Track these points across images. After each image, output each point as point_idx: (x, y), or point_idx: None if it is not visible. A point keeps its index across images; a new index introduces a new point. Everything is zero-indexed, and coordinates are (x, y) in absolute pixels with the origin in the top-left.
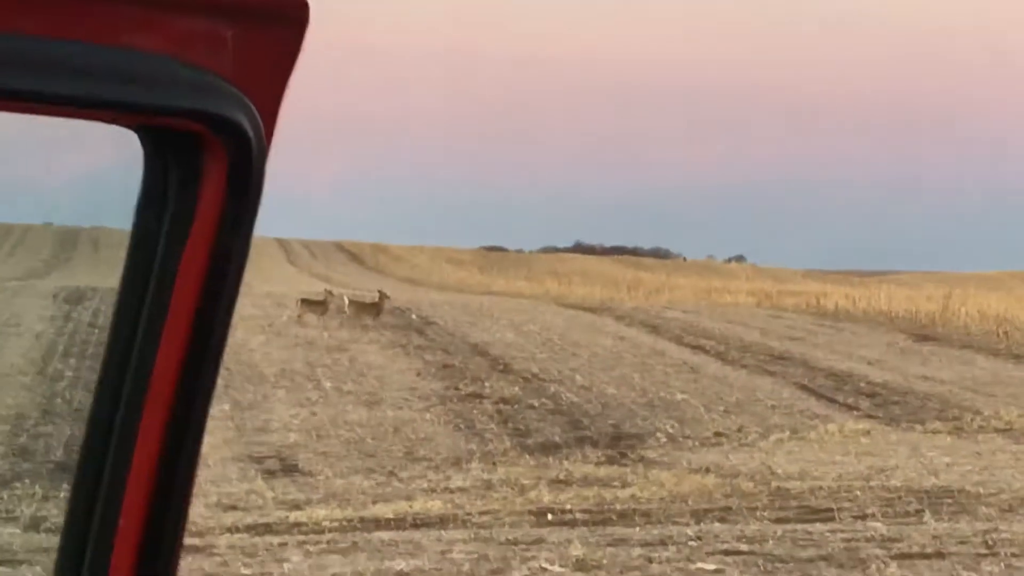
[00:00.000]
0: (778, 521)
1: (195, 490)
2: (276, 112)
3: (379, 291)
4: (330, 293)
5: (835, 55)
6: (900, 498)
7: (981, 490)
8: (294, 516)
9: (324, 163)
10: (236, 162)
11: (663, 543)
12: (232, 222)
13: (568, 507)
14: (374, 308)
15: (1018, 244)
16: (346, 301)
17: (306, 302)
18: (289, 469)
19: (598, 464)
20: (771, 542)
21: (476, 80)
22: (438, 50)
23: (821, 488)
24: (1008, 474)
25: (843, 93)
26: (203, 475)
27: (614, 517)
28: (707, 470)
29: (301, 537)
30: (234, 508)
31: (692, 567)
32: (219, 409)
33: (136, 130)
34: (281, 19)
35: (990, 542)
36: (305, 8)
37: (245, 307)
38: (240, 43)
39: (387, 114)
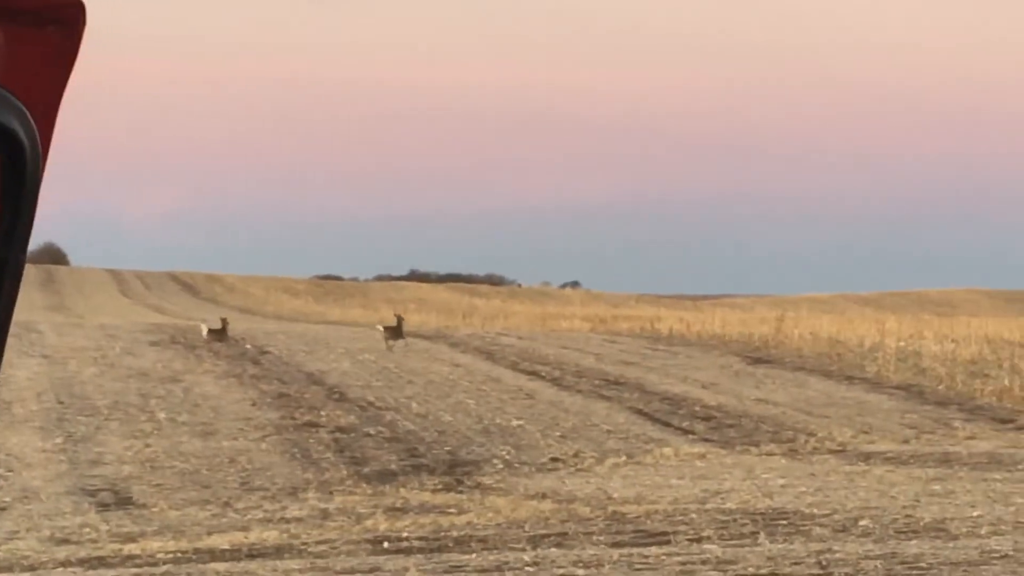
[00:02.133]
0: (615, 545)
1: (28, 524)
2: (53, 117)
3: (222, 319)
4: (225, 321)
5: (672, 81)
6: (735, 520)
7: (815, 511)
8: (128, 548)
9: (156, 194)
10: (8, 168)
11: (499, 569)
12: (5, 231)
13: (405, 535)
14: (223, 332)
15: (850, 266)
16: (204, 329)
17: (211, 331)
18: (123, 502)
19: (435, 491)
20: (608, 566)
21: (309, 107)
22: (270, 77)
23: (657, 512)
24: (841, 495)
25: (675, 117)
26: (36, 509)
27: (451, 544)
28: (543, 495)
29: (135, 570)
30: (67, 542)
31: None
32: (52, 443)
33: None
34: (55, 21)
35: (824, 562)
36: (81, 9)
37: (77, 339)
38: (11, 46)
39: (220, 143)
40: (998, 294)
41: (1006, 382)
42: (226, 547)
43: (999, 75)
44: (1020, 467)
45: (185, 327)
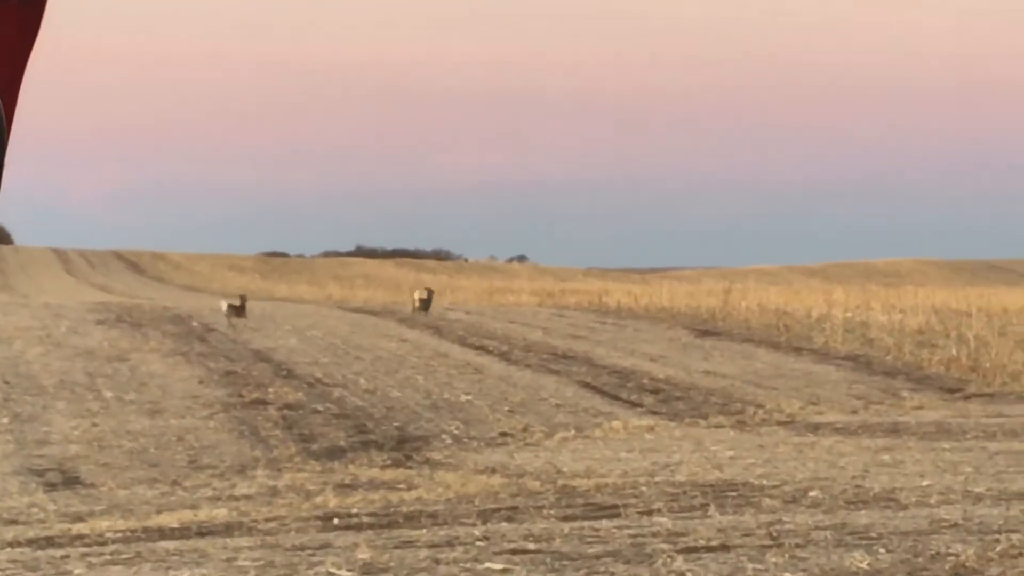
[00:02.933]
0: (565, 519)
1: None
2: (17, 89)
3: (240, 295)
4: (244, 298)
5: (616, 57)
6: (685, 493)
7: (765, 482)
8: (76, 528)
9: (99, 172)
10: None
11: (450, 544)
12: None
13: (354, 511)
14: (242, 308)
15: (796, 238)
16: (224, 305)
17: (231, 307)
18: (71, 481)
19: (384, 467)
20: (558, 540)
21: (253, 85)
22: (213, 55)
23: (607, 485)
24: (791, 466)
25: (621, 92)
26: None
27: (401, 520)
28: (493, 470)
29: (84, 549)
30: (15, 522)
31: (480, 567)
32: None
33: None
34: None
35: (774, 533)
36: None
37: (23, 319)
38: None
39: (164, 121)
40: (945, 264)
41: (953, 352)
42: (175, 525)
43: (938, 49)
44: (968, 436)
45: (131, 305)
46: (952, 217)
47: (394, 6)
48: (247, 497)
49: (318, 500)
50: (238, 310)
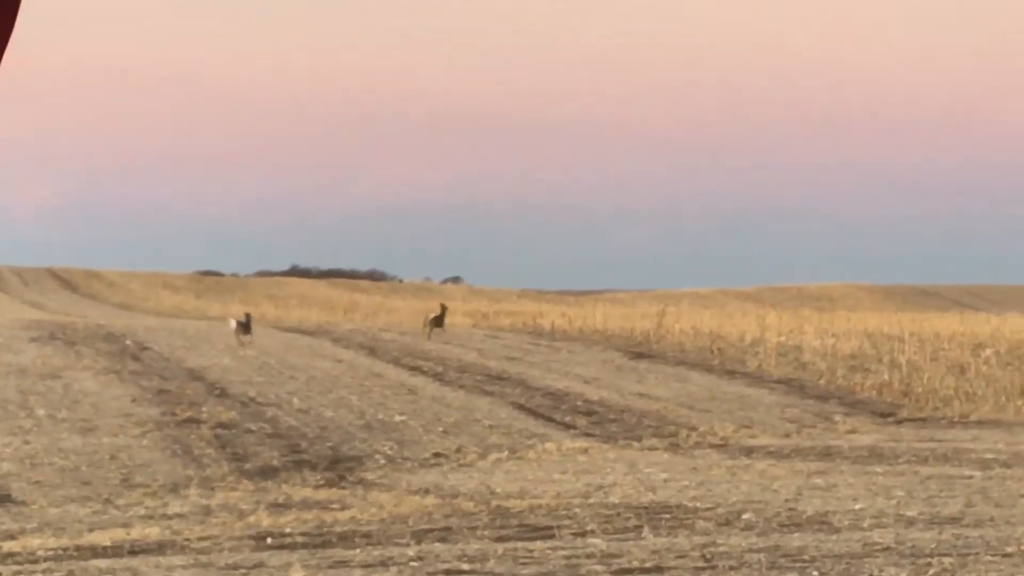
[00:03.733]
0: (499, 540)
1: None
2: None
3: (246, 312)
4: (249, 316)
5: (550, 81)
6: (619, 514)
7: (698, 505)
8: (8, 546)
9: (33, 189)
10: None
11: (384, 564)
12: None
13: (288, 530)
14: (247, 325)
15: (730, 262)
16: (232, 323)
17: (239, 324)
18: (2, 499)
19: (317, 487)
20: (492, 561)
21: (190, 102)
22: (149, 70)
23: (541, 506)
24: (724, 488)
25: (557, 115)
26: None
27: (334, 539)
28: (427, 491)
29: (16, 567)
30: None
31: None
32: None
33: None
34: None
35: (708, 556)
36: None
37: None
38: None
39: (98, 137)
40: (877, 289)
41: (886, 376)
42: (108, 544)
43: (870, 77)
44: (900, 460)
45: (64, 323)
46: (884, 242)
47: (329, 28)
48: (180, 516)
49: (251, 519)
50: (245, 327)
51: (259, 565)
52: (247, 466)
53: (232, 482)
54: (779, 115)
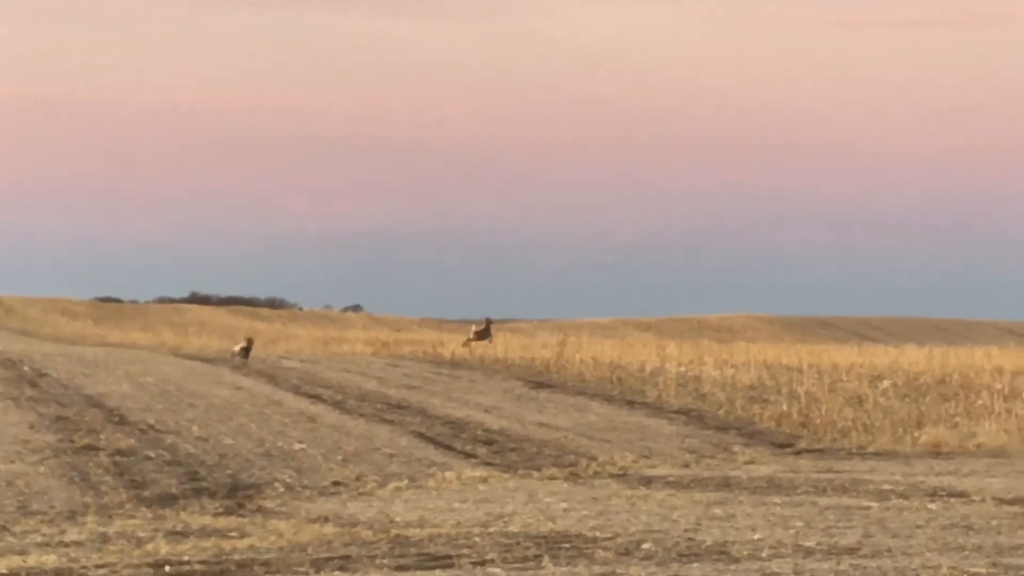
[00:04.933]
0: (398, 568)
1: None
2: None
3: (247, 338)
4: (250, 340)
5: (451, 108)
6: (519, 543)
7: (598, 534)
8: None
9: None
10: None
11: None
12: None
13: (186, 558)
14: (247, 350)
15: (630, 292)
16: (236, 348)
17: (243, 348)
18: None
19: (216, 515)
20: None
21: (86, 128)
22: (43, 96)
23: (440, 535)
24: (624, 518)
25: (457, 144)
26: None
27: (233, 568)
28: (326, 519)
29: None
30: None
31: None
32: None
33: None
34: None
35: None
36: None
37: None
38: None
39: None
40: (776, 320)
41: (784, 407)
42: (3, 571)
43: (768, 104)
44: (799, 491)
45: None
46: (783, 274)
47: (232, 53)
48: (77, 543)
49: (149, 547)
50: (245, 352)
51: None
52: (145, 493)
53: (130, 509)
54: (678, 146)
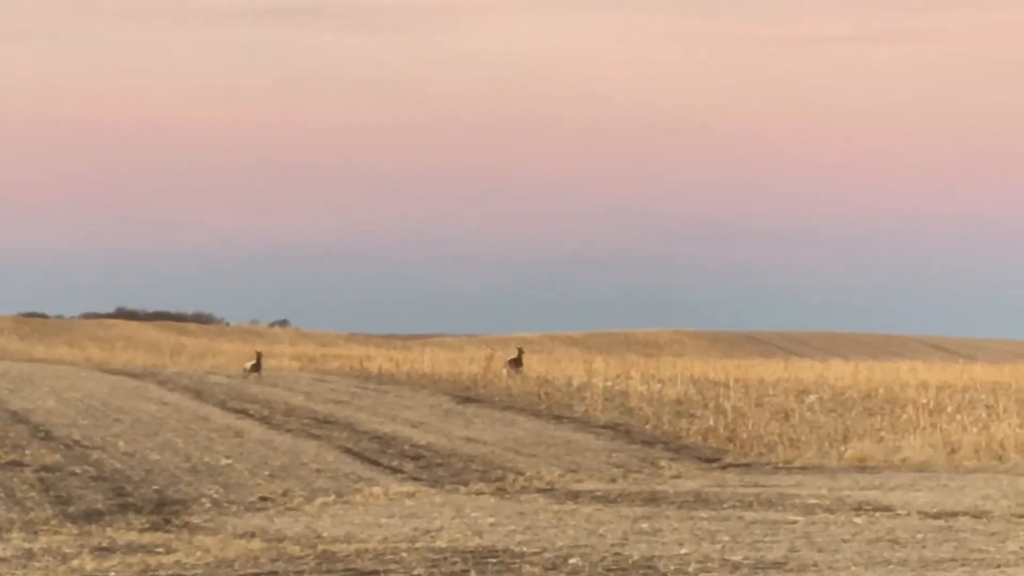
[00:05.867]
0: None
1: None
2: None
3: (257, 352)
4: (260, 355)
5: (370, 120)
6: (446, 559)
7: (525, 549)
8: None
9: None
10: None
11: None
12: None
13: (112, 574)
14: (258, 365)
15: (558, 307)
16: (247, 366)
17: (253, 365)
18: None
19: (142, 531)
20: None
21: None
22: None
23: (367, 550)
24: (551, 533)
25: (381, 159)
26: None
27: None
28: (252, 534)
29: None
30: None
31: None
32: None
33: None
34: None
35: None
36: None
37: None
38: None
39: None
40: (702, 335)
41: (711, 422)
42: None
43: (696, 118)
44: (725, 505)
45: None
46: (710, 289)
47: (158, 67)
48: (2, 560)
49: (75, 563)
50: (256, 367)
51: None
52: (71, 509)
53: (56, 526)
54: (602, 161)
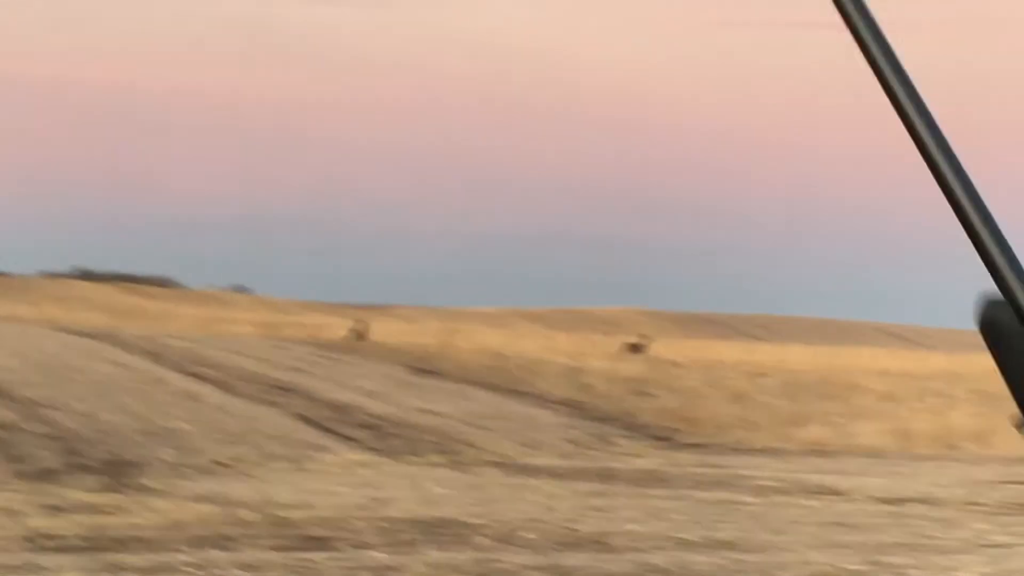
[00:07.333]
0: (277, 549)
1: None
2: None
3: (358, 320)
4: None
5: (333, 90)
6: (398, 528)
7: (477, 521)
8: None
9: None
10: None
11: (161, 570)
12: None
13: (63, 534)
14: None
15: (519, 282)
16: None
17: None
18: None
19: (95, 491)
20: (270, 570)
21: None
22: None
23: (320, 518)
24: (503, 506)
25: (337, 129)
26: None
27: (111, 544)
28: (206, 499)
29: None
30: None
31: None
32: None
33: None
34: None
35: (486, 572)
36: None
37: None
38: None
39: None
40: (662, 314)
41: (667, 401)
42: None
43: (657, 88)
44: (679, 485)
45: None
46: (671, 268)
47: (132, 30)
48: None
49: (27, 522)
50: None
51: (33, 567)
52: (24, 468)
53: (7, 483)
54: (565, 137)
